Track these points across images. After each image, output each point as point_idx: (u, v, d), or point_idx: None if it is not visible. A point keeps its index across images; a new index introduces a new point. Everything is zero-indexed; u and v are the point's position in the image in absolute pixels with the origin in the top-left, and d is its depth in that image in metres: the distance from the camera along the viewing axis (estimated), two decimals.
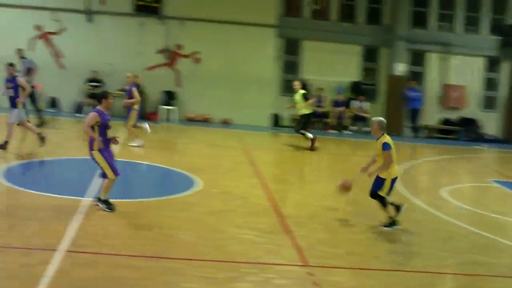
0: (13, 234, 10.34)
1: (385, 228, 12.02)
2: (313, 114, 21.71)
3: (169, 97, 26.41)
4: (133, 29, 26.11)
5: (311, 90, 27.64)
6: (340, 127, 27.57)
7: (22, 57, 22.51)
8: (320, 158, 21.41)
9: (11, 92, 16.48)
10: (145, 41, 26.23)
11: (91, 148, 11.60)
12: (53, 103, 25.82)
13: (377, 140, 11.96)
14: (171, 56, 26.62)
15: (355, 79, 28.51)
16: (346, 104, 27.87)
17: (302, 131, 21.16)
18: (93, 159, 11.73)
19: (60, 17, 25.88)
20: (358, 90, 28.30)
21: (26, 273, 8.59)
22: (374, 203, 12.21)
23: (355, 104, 27.89)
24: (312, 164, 20.24)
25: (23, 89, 16.55)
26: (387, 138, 11.81)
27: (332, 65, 28.10)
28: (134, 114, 19.13)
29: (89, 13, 25.97)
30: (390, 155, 11.61)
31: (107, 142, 11.70)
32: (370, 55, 29.11)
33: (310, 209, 12.64)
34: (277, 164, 19.64)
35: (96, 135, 11.49)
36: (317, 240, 11.22)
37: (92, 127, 11.49)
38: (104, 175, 11.81)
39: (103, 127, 11.56)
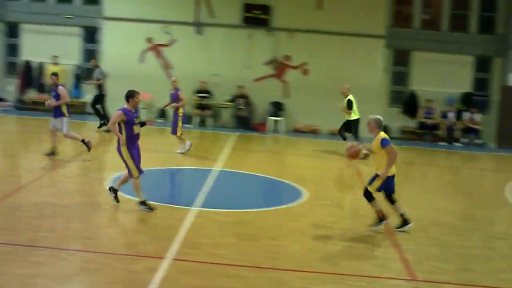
0: (123, 241, 10.55)
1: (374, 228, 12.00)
2: (358, 120, 20.54)
3: (277, 108, 26.44)
4: (241, 40, 26.29)
5: (420, 102, 27.12)
6: (450, 139, 26.89)
7: (96, 67, 23.67)
8: (429, 170, 20.98)
9: (54, 101, 17.00)
10: (253, 53, 26.36)
11: (119, 145, 12.08)
12: (162, 113, 26.25)
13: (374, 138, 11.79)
14: (279, 67, 26.66)
15: (466, 90, 27.76)
16: (457, 115, 27.17)
17: (350, 136, 20.70)
18: (121, 155, 12.17)
19: (170, 29, 26.36)
20: (469, 101, 27.53)
21: (135, 279, 8.73)
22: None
23: (466, 115, 27.14)
24: (420, 177, 19.82)
25: (63, 98, 17.01)
26: (384, 135, 11.67)
27: (442, 76, 27.43)
28: (180, 121, 18.91)
29: (198, 25, 26.33)
30: (393, 149, 11.52)
31: (134, 138, 12.16)
32: (482, 65, 28.27)
33: (419, 222, 12.33)
34: None
35: (118, 133, 11.99)
36: (426, 254, 10.93)
37: (119, 125, 12.00)
38: (129, 174, 12.26)
39: (129, 124, 12.04)
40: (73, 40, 27.05)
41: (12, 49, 27.61)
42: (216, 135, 24.21)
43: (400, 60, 28.01)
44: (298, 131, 26.70)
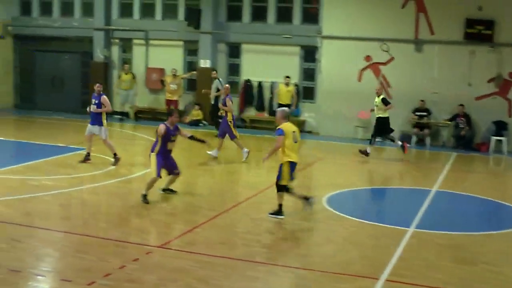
0: (337, 259, 10.55)
1: (271, 216, 12.75)
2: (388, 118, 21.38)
3: (500, 128, 25.24)
4: (462, 57, 25.39)
5: None
6: None
7: (216, 78, 25.14)
8: None
9: (95, 108, 17.63)
10: (474, 70, 25.36)
11: (151, 150, 13.74)
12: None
13: None
14: (503, 84, 25.46)
15: None
16: None
17: (390, 137, 21.56)
18: (149, 158, 13.78)
19: (389, 47, 26.08)
20: None
21: None
22: None
23: None
24: None
25: (105, 106, 17.67)
26: (283, 125, 12.66)
27: None
28: (232, 126, 19.32)
29: (417, 43, 25.84)
30: (278, 140, 12.51)
31: (167, 151, 13.84)
32: None
33: None
34: None
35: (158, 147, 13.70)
36: None
37: (157, 137, 13.69)
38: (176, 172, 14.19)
39: (165, 138, 13.68)
40: (292, 59, 27.49)
41: (233, 69, 28.62)
42: (434, 154, 23.57)
43: None
44: None
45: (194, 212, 13.30)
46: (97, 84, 18.15)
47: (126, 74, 28.33)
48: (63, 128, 25.50)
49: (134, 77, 28.56)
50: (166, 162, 13.89)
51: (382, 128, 21.25)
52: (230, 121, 19.45)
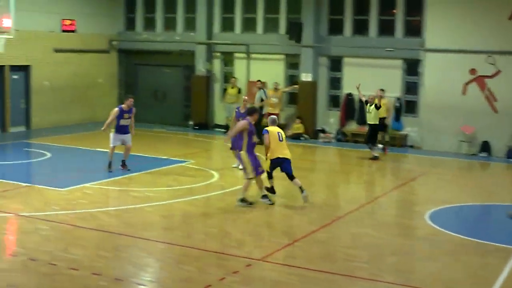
0: (438, 276, 10.31)
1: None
2: (378, 126, 22.64)
3: None
4: None
5: None
6: None
7: (260, 88, 26.30)
8: None
9: (129, 122, 18.61)
10: None
11: (240, 149, 14.75)
12: (485, 147, 25.31)
13: None
14: None
15: None
16: None
17: (370, 145, 22.40)
18: (240, 158, 14.95)
19: (495, 59, 25.36)
20: None
21: None
22: None
23: None
24: None
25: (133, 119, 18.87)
26: (268, 127, 15.17)
27: None
28: None
29: None
30: (265, 138, 14.85)
31: (252, 145, 14.55)
32: None
33: None
34: None
35: (233, 135, 15.27)
36: None
37: (241, 133, 14.53)
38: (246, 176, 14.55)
39: (249, 134, 14.51)
40: (394, 73, 27.08)
41: (335, 82, 28.40)
42: None
43: None
44: None
45: (294, 225, 13.23)
46: (130, 99, 18.74)
47: (232, 88, 28.50)
48: (165, 140, 25.92)
49: (239, 91, 28.68)
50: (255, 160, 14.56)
51: (372, 135, 22.44)
52: None
